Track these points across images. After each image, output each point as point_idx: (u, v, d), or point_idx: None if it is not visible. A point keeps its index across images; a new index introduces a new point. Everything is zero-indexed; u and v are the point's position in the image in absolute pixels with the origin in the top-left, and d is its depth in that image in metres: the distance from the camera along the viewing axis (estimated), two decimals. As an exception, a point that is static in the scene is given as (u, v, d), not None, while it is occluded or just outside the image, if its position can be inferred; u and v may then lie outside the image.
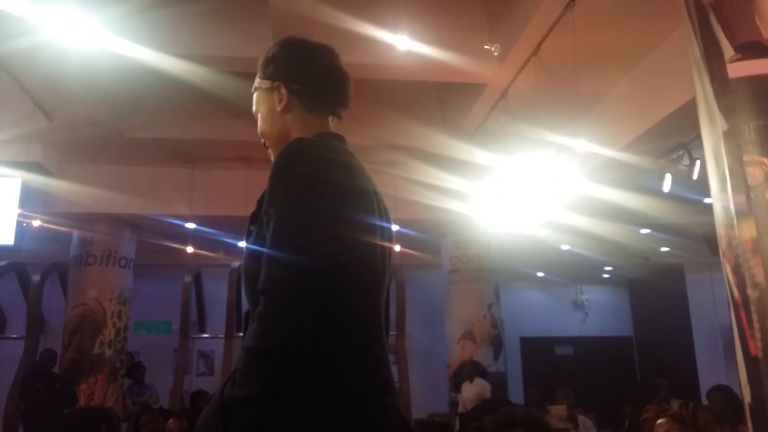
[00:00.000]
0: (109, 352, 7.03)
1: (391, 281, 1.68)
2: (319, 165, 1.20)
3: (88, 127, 5.91)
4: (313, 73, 1.43)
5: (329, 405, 1.11)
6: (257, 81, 1.46)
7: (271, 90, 1.41)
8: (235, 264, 8.80)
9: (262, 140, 1.46)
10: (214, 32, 4.77)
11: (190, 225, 7.40)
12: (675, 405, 3.11)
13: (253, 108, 1.48)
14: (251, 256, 1.23)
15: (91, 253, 7.22)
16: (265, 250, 1.17)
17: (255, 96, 1.47)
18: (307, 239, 1.12)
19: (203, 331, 10.04)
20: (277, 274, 1.11)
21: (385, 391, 1.20)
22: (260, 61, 1.47)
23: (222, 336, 8.92)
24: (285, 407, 1.08)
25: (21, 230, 6.08)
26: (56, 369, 6.91)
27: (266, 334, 1.08)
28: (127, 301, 7.41)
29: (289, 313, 1.08)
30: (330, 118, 1.44)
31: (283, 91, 1.40)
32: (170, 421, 4.13)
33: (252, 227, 1.27)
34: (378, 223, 1.27)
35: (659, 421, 2.95)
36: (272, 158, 1.39)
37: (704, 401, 8.16)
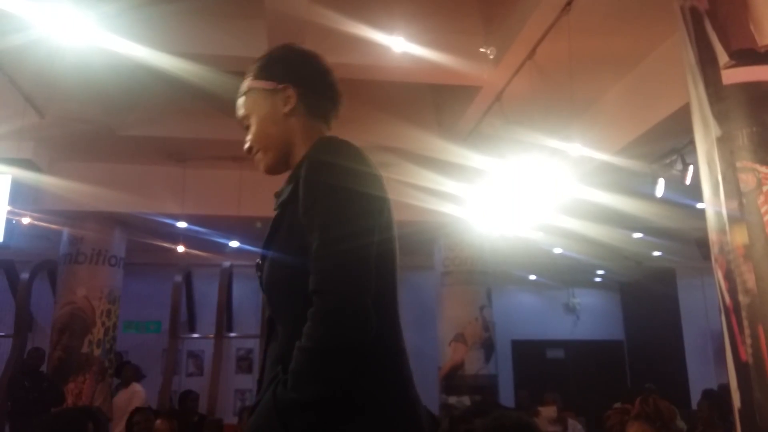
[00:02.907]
0: (97, 352, 6.98)
1: None
2: (351, 174, 1.21)
3: (80, 124, 5.87)
4: (318, 77, 1.42)
5: (384, 409, 1.13)
6: (254, 82, 1.41)
7: (274, 92, 1.38)
8: (226, 264, 8.77)
9: (250, 145, 1.41)
10: (209, 31, 4.75)
11: (182, 224, 7.37)
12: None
13: (241, 111, 1.42)
14: (279, 263, 1.23)
15: (80, 251, 7.17)
16: (290, 251, 1.19)
17: (246, 98, 1.41)
18: (356, 243, 1.14)
19: (193, 331, 9.99)
20: (334, 274, 1.11)
21: (411, 385, 1.22)
22: (260, 63, 1.43)
23: (212, 336, 8.89)
24: (344, 410, 1.08)
25: (10, 227, 6.04)
26: (44, 368, 6.86)
27: (327, 334, 1.07)
28: (117, 300, 7.37)
29: (350, 313, 1.08)
30: (327, 121, 1.43)
31: (290, 92, 1.37)
32: (158, 421, 4.11)
33: (279, 229, 1.26)
34: (394, 228, 1.30)
35: (630, 424, 2.96)
36: (261, 164, 1.39)
37: (694, 406, 8.20)
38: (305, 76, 1.40)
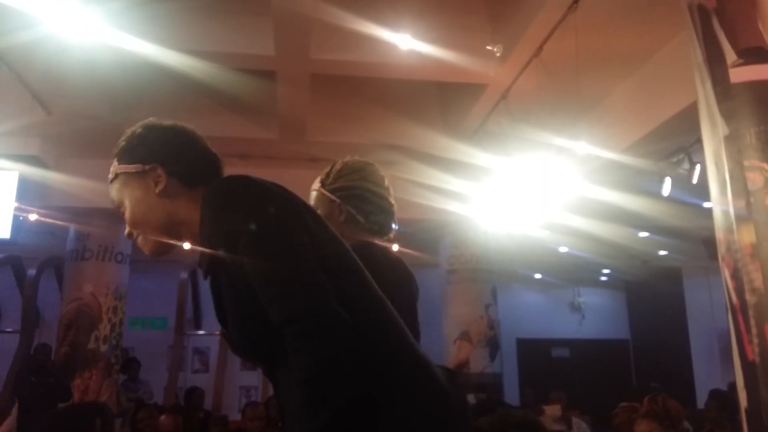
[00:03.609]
0: (103, 348, 7.01)
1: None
2: (253, 196, 1.20)
3: (87, 121, 5.89)
4: (185, 151, 1.36)
5: (400, 392, 1.12)
6: (120, 167, 1.35)
7: (142, 173, 1.32)
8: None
9: (129, 231, 1.36)
10: (216, 28, 4.75)
11: (188, 221, 7.38)
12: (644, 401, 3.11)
13: (114, 197, 1.36)
14: (245, 327, 1.21)
15: (87, 247, 7.20)
16: (246, 302, 1.16)
17: (116, 184, 1.35)
18: (295, 260, 1.13)
19: (199, 327, 10.02)
20: (288, 300, 1.10)
21: (414, 349, 1.21)
22: (122, 146, 1.38)
23: (218, 333, 8.91)
24: (364, 415, 1.08)
25: (17, 224, 6.07)
26: (51, 364, 6.89)
27: (308, 357, 1.06)
28: (123, 296, 7.39)
29: (318, 327, 1.07)
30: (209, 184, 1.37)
31: (159, 172, 1.32)
32: (163, 417, 4.12)
33: (222, 291, 1.25)
34: (324, 227, 1.27)
35: (638, 422, 2.96)
36: (145, 248, 1.35)
37: (700, 405, 8.17)
38: (170, 154, 1.35)
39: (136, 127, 1.41)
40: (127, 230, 1.36)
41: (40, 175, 6.34)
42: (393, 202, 2.13)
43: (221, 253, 1.18)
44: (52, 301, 8.27)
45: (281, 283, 1.11)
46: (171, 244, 1.34)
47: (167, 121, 1.41)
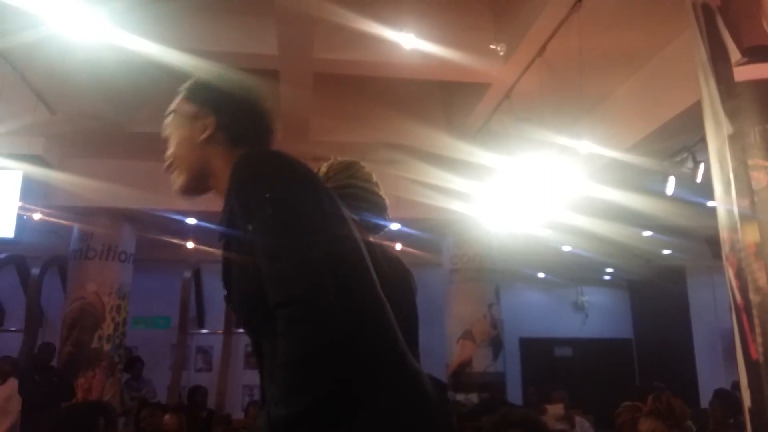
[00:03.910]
0: (107, 347, 7.03)
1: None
2: (283, 174, 1.20)
3: (91, 121, 5.90)
4: (243, 109, 1.39)
5: (384, 394, 1.11)
6: (178, 105, 1.41)
7: (194, 118, 1.37)
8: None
9: (169, 163, 1.39)
10: (219, 27, 4.76)
11: (191, 220, 7.39)
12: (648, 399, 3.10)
13: (165, 129, 1.41)
14: (245, 293, 1.22)
15: (91, 246, 7.21)
16: (250, 272, 1.16)
17: (171, 118, 1.41)
18: (302, 244, 1.12)
19: (202, 326, 10.04)
20: (287, 283, 1.10)
21: (406, 358, 1.19)
22: (187, 85, 1.43)
23: (221, 332, 8.94)
24: (342, 410, 1.07)
25: (21, 223, 6.07)
26: (54, 362, 6.91)
27: (295, 344, 1.06)
28: (126, 295, 7.41)
29: (311, 317, 1.07)
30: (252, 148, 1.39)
31: (209, 122, 1.35)
32: (167, 416, 4.12)
33: (231, 254, 1.25)
34: (348, 216, 1.28)
35: (642, 421, 2.96)
36: (175, 184, 1.38)
37: (704, 405, 8.15)
38: (231, 108, 1.38)
39: (206, 72, 1.45)
40: (166, 163, 1.40)
41: (44, 175, 6.36)
42: (384, 196, 2.13)
43: (237, 219, 1.19)
44: (56, 300, 8.30)
45: (284, 265, 1.11)
46: (199, 189, 1.39)
47: (240, 75, 1.44)
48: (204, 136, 1.35)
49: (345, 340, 1.07)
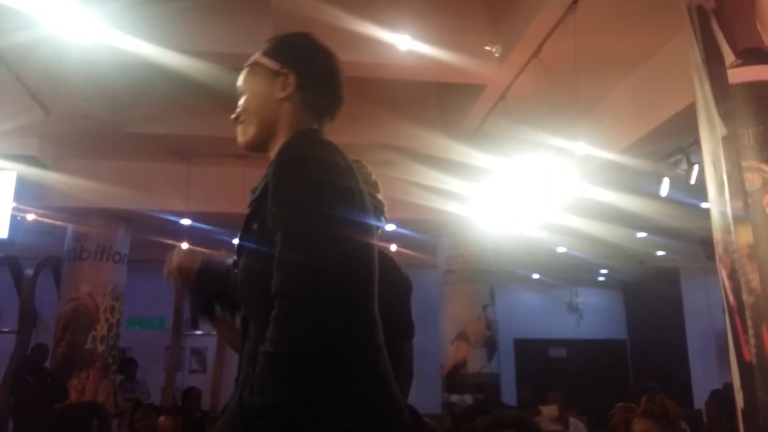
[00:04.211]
0: (101, 348, 7.00)
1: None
2: (324, 167, 1.19)
3: (85, 121, 5.88)
4: (324, 74, 1.40)
5: (354, 414, 1.10)
6: (260, 58, 1.40)
7: (276, 74, 1.36)
8: (230, 261, 8.75)
9: (237, 115, 1.40)
10: (215, 28, 4.75)
11: (186, 221, 7.38)
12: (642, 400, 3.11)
13: (241, 81, 1.42)
14: (251, 262, 1.22)
15: (85, 247, 7.19)
16: (262, 249, 1.16)
17: (249, 70, 1.41)
18: (321, 241, 1.11)
19: (196, 328, 10.00)
20: (295, 276, 1.09)
21: (389, 382, 1.19)
22: (273, 41, 1.43)
23: (215, 334, 8.89)
24: (309, 414, 1.06)
25: (15, 223, 6.05)
26: (48, 364, 6.88)
27: (287, 338, 1.06)
28: (121, 296, 7.38)
29: (309, 315, 1.06)
30: (320, 120, 1.40)
31: (291, 80, 1.35)
32: (161, 418, 4.11)
33: (252, 225, 1.25)
34: (374, 223, 1.27)
35: (636, 421, 2.96)
36: (241, 137, 1.39)
37: (697, 405, 8.18)
38: (313, 71, 1.38)
39: (295, 33, 1.44)
40: (235, 114, 1.40)
41: (38, 175, 6.33)
42: (381, 198, 2.13)
43: (269, 197, 1.18)
44: (50, 301, 8.26)
45: (296, 256, 1.10)
46: (261, 146, 1.38)
47: (324, 45, 1.43)
48: (283, 94, 1.35)
49: (334, 348, 1.07)
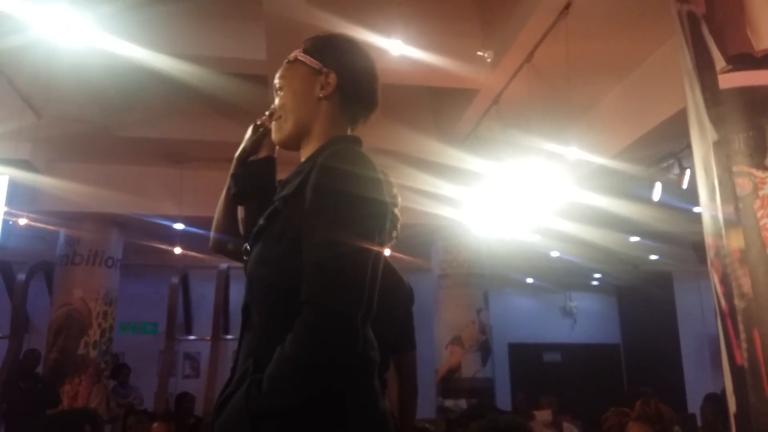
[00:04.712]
0: (93, 353, 6.96)
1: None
2: (364, 184, 1.19)
3: (78, 125, 5.86)
4: (364, 78, 1.40)
5: (353, 426, 1.12)
6: (302, 56, 1.39)
7: (317, 72, 1.36)
8: (223, 266, 8.75)
9: (273, 110, 1.40)
10: (207, 32, 4.75)
11: (179, 226, 7.36)
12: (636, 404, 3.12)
13: (279, 77, 1.41)
14: (268, 255, 1.22)
15: (77, 252, 7.15)
16: (281, 247, 1.18)
17: (289, 67, 1.40)
18: (359, 259, 1.12)
19: (190, 333, 9.98)
20: (328, 287, 1.09)
21: (381, 398, 1.21)
22: (314, 40, 1.43)
23: (209, 338, 8.87)
24: (313, 422, 1.08)
25: (7, 228, 6.02)
26: (40, 369, 6.84)
27: (313, 348, 1.06)
28: (113, 301, 7.35)
29: (339, 330, 1.07)
30: (354, 122, 1.41)
31: (332, 79, 1.35)
32: (155, 424, 4.09)
33: (276, 220, 1.25)
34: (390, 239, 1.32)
35: (630, 425, 2.97)
36: (275, 134, 1.39)
37: (691, 410, 8.19)
38: (353, 72, 1.38)
39: (337, 34, 1.45)
40: (270, 110, 1.41)
41: (30, 179, 6.31)
42: (398, 213, 2.13)
43: (304, 192, 1.19)
44: (42, 306, 8.22)
45: (337, 270, 1.11)
46: (295, 144, 1.38)
47: (365, 49, 1.44)
48: (323, 93, 1.35)
49: (348, 362, 1.08)
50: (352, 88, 1.37)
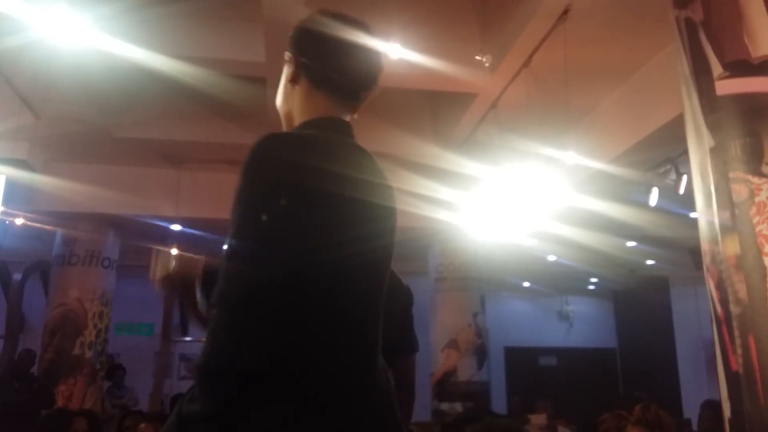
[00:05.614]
0: (89, 354, 6.95)
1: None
2: (289, 171, 1.10)
3: (76, 126, 5.86)
4: (325, 50, 1.30)
5: (288, 417, 1.04)
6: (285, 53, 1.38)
7: (289, 63, 1.34)
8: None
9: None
10: (206, 34, 4.75)
11: (176, 227, 7.35)
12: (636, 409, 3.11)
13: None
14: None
15: (74, 252, 7.14)
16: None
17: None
18: (265, 253, 1.04)
19: (185, 334, 9.95)
20: (228, 287, 1.04)
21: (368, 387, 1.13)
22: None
23: (204, 340, 8.86)
24: (240, 422, 1.03)
25: (4, 228, 6.02)
26: (35, 369, 6.82)
27: (213, 353, 1.03)
28: (109, 302, 7.34)
29: (236, 332, 1.02)
30: (339, 103, 1.31)
31: (295, 63, 1.31)
32: (142, 425, 4.06)
33: None
34: (358, 231, 1.16)
35: (629, 429, 2.97)
36: (284, 127, 1.37)
37: (686, 415, 8.19)
38: (313, 49, 1.31)
39: (306, 17, 1.36)
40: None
41: (28, 179, 6.29)
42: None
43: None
44: (38, 306, 8.20)
45: (240, 266, 1.05)
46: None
47: (335, 18, 1.34)
48: (289, 78, 1.33)
49: (261, 364, 1.03)
50: (319, 68, 1.29)
